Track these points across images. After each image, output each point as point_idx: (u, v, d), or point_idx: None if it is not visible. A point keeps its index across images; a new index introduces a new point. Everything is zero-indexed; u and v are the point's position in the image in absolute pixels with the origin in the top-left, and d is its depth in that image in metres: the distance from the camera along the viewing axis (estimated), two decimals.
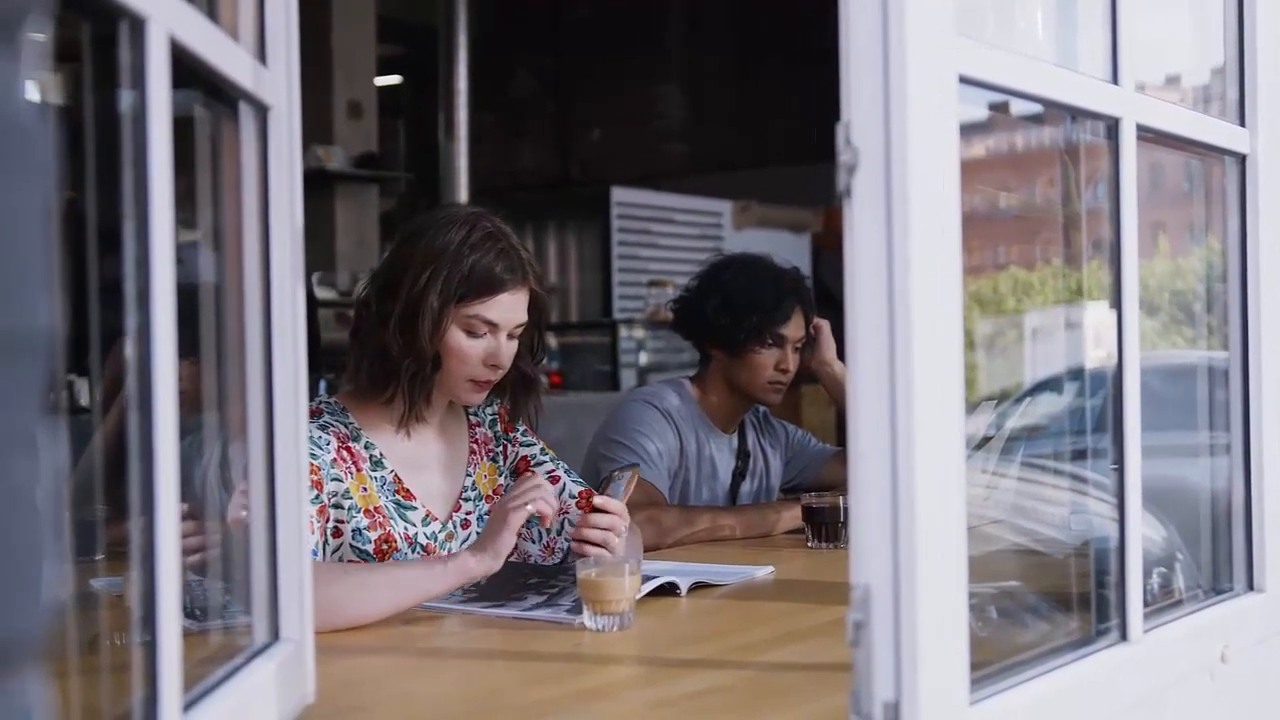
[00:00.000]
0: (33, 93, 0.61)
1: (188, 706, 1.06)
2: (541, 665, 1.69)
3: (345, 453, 2.15)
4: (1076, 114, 1.54)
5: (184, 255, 1.06)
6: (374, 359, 2.17)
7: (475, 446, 2.34)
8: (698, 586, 2.15)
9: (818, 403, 6.40)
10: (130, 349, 0.98)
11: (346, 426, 2.19)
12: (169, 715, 0.99)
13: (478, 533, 2.25)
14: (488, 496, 2.32)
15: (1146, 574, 1.60)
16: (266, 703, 1.27)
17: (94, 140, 1.00)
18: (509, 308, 2.18)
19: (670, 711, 1.47)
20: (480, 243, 2.14)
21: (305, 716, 1.38)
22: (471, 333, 2.16)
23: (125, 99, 0.98)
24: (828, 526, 2.62)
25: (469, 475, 2.31)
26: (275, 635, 1.35)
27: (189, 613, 1.18)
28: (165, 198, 0.99)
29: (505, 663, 1.69)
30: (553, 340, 7.59)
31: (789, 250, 6.19)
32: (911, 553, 1.14)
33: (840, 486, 2.93)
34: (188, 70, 1.08)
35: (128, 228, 0.98)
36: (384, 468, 2.19)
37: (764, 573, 2.32)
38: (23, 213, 0.56)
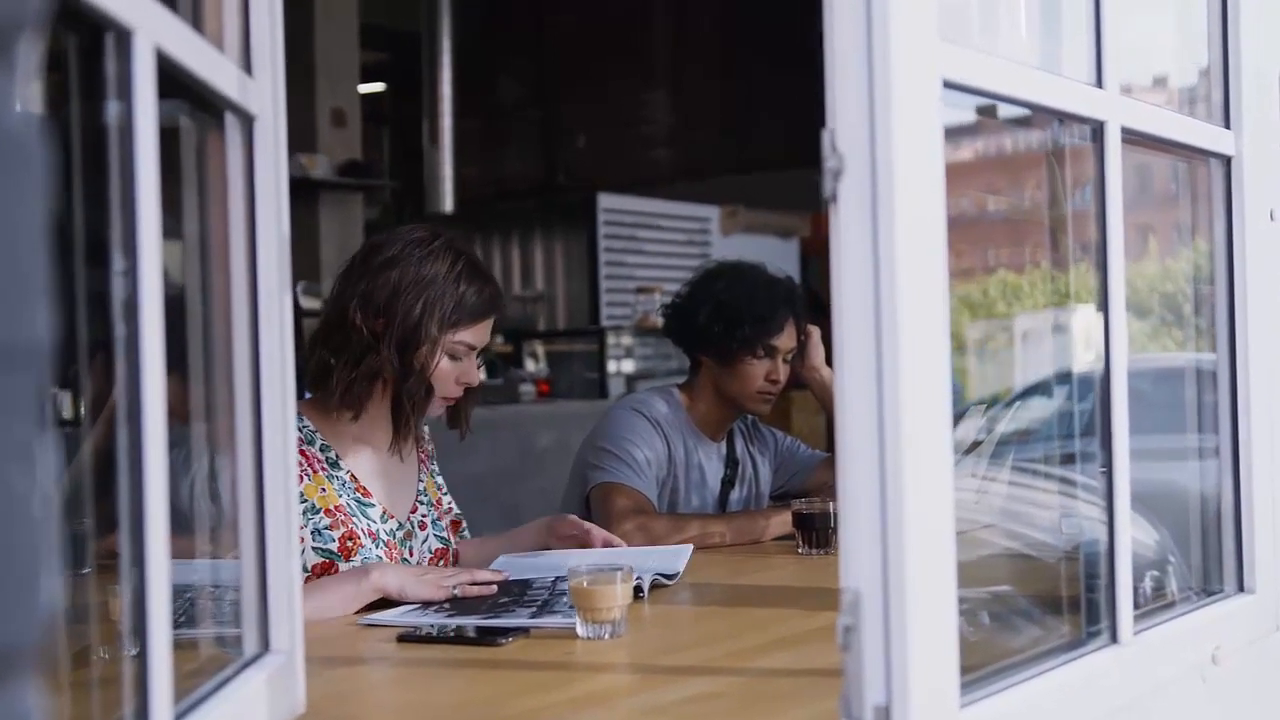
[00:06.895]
0: (28, 105, 0.61)
1: (178, 718, 1.05)
2: (533, 674, 1.68)
3: (300, 456, 2.18)
4: (1061, 117, 1.54)
5: (168, 266, 1.06)
6: (364, 379, 2.23)
7: (424, 457, 2.46)
8: (658, 585, 2.18)
9: (807, 409, 6.40)
10: (119, 361, 0.97)
11: (301, 430, 2.23)
12: None
13: (435, 535, 2.39)
14: (435, 504, 2.43)
15: (1140, 577, 1.60)
16: (257, 714, 1.27)
17: (79, 150, 1.00)
18: (488, 332, 2.32)
19: (664, 718, 1.47)
20: (467, 272, 2.26)
21: None
22: (453, 356, 2.27)
23: (111, 109, 0.98)
24: (818, 532, 2.62)
25: (420, 481, 2.42)
26: (265, 646, 1.35)
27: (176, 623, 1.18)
28: (152, 208, 0.99)
29: (497, 672, 1.69)
30: (540, 348, 7.58)
31: (776, 256, 6.19)
32: (900, 556, 1.14)
33: (829, 492, 2.93)
34: (172, 80, 1.08)
35: (114, 239, 0.98)
36: (341, 469, 2.26)
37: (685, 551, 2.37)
38: (23, 225, 0.57)
